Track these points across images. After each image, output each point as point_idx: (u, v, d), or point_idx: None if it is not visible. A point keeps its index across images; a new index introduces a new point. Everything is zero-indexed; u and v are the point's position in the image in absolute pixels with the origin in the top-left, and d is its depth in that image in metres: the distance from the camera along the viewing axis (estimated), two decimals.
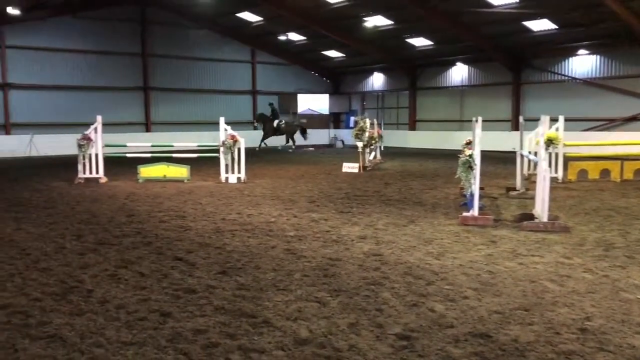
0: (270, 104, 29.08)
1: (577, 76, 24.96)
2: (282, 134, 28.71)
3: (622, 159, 14.69)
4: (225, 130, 14.08)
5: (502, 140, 24.24)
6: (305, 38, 30.49)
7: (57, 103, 26.20)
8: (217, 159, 14.36)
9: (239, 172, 14.19)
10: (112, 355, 3.79)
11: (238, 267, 6.06)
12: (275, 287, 5.32)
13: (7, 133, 25.10)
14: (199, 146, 15.38)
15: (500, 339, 4.04)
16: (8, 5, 22.57)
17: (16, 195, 12.02)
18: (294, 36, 30.41)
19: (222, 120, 14.18)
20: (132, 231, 8.03)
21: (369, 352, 3.83)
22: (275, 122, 28.29)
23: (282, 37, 30.56)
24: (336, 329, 4.24)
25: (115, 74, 28.01)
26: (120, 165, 16.18)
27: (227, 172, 14.25)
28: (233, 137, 14.00)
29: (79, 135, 14.39)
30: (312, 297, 5.01)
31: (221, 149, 14.07)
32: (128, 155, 15.79)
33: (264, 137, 28.24)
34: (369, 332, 4.18)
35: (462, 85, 29.84)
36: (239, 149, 14.06)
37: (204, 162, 15.87)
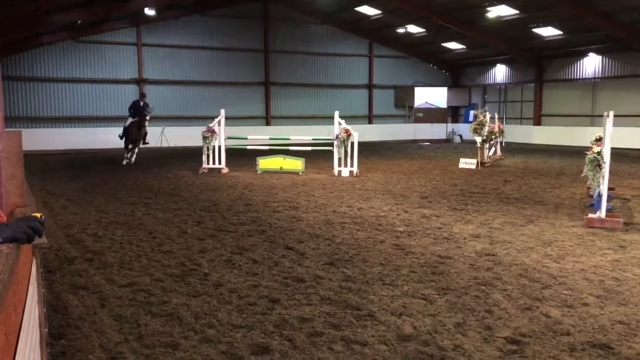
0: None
1: None
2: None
3: None
4: (340, 124, 14.25)
5: (639, 137, 22.19)
6: (424, 30, 29.92)
7: (185, 97, 28.01)
8: (331, 152, 14.58)
9: (352, 165, 14.29)
10: (223, 336, 4.00)
11: (346, 259, 6.11)
12: (382, 281, 5.30)
13: None
14: (314, 139, 15.70)
15: (624, 351, 3.72)
16: (145, 7, 24.48)
17: (147, 183, 13.04)
18: (412, 28, 29.96)
19: (336, 114, 14.35)
20: (248, 220, 8.40)
21: (475, 354, 3.69)
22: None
23: (400, 30, 30.23)
24: (441, 328, 4.14)
25: (238, 70, 29.36)
26: (241, 156, 16.97)
27: (340, 165, 14.41)
28: (347, 131, 14.12)
29: (204, 128, 15.30)
30: (419, 293, 4.92)
31: (335, 142, 14.25)
32: (248, 147, 16.52)
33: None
34: (476, 334, 4.03)
35: (594, 78, 27.66)
36: (352, 143, 14.16)
37: (318, 155, 16.17)
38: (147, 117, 17.69)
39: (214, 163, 15.15)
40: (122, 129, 18.07)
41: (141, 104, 17.76)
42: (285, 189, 11.88)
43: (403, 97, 33.67)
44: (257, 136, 18.69)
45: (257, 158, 15.19)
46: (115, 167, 16.74)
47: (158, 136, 26.12)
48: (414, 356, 3.67)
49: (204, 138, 15.01)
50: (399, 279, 5.37)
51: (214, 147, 15.03)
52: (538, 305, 4.61)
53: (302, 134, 21.92)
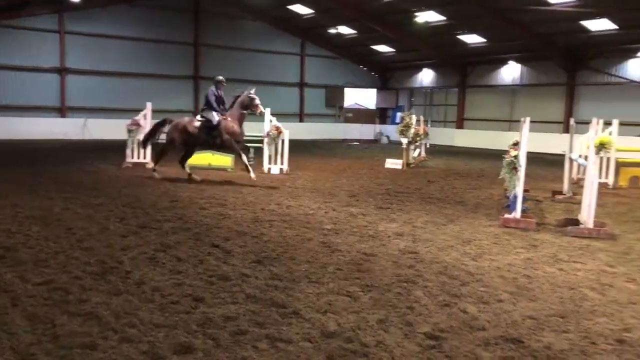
0: None
1: (635, 79, 23.96)
2: None
3: None
4: (270, 121, 14.22)
5: (553, 142, 23.51)
6: (355, 32, 30.38)
7: (110, 89, 26.99)
8: (261, 149, 14.52)
9: (282, 163, 14.30)
10: (144, 336, 3.90)
11: (273, 257, 6.11)
12: (308, 279, 5.35)
13: (63, 116, 26.05)
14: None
15: (533, 345, 3.94)
16: None
17: (67, 176, 12.47)
18: (344, 30, 30.36)
19: (267, 111, 14.30)
20: (174, 216, 8.22)
21: (396, 349, 3.80)
22: None
23: (332, 31, 30.55)
24: (365, 324, 4.23)
25: (167, 62, 28.62)
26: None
27: (270, 162, 14.38)
28: (277, 128, 14.12)
29: (129, 121, 14.81)
30: (344, 291, 5.01)
31: (265, 139, 14.21)
32: None
33: None
34: (398, 330, 4.15)
35: (513, 85, 29.12)
36: (282, 141, 14.17)
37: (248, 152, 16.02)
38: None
39: (138, 157, 14.70)
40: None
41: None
42: (213, 185, 11.71)
43: (334, 97, 34.05)
44: None
45: None
46: (33, 159, 15.88)
47: (80, 128, 25.08)
48: (338, 353, 3.73)
49: (129, 131, 14.54)
50: (325, 276, 5.44)
51: (139, 140, 14.59)
52: (456, 302, 4.80)
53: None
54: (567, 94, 26.35)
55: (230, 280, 5.23)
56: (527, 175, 8.58)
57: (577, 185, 11.92)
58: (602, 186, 11.92)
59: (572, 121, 11.73)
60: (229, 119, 11.95)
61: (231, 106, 12.15)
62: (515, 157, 8.64)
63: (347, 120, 34.11)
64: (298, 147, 21.19)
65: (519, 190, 8.35)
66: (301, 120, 33.16)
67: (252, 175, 11.95)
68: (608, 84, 24.93)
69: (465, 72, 31.28)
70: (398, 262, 6.04)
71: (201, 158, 14.82)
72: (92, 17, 26.30)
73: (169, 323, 4.13)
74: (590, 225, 7.73)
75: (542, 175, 15.59)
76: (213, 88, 12.31)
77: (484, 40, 27.33)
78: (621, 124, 13.70)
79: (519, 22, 23.91)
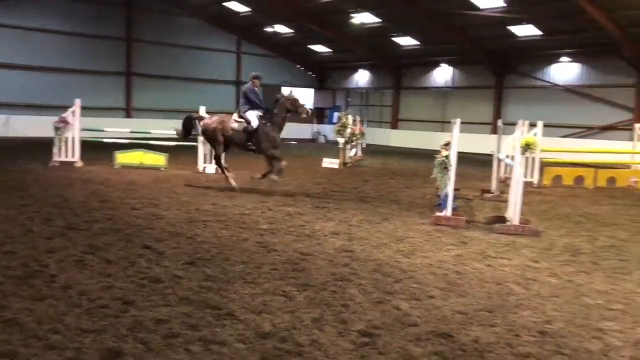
0: None
1: (558, 83, 25.25)
2: None
3: (597, 166, 14.92)
4: None
5: (483, 142, 24.38)
6: (292, 31, 30.40)
7: (37, 84, 25.72)
8: (196, 148, 14.25)
9: None
10: (70, 342, 3.74)
11: (207, 258, 6.01)
12: (243, 279, 5.29)
13: None
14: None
15: (462, 339, 4.07)
16: None
17: None
18: (281, 28, 30.30)
19: (202, 109, 14.06)
20: (103, 217, 7.93)
21: (330, 348, 3.83)
22: None
23: (269, 29, 30.42)
24: (300, 324, 4.23)
25: (98, 58, 27.60)
26: (98, 150, 15.95)
27: (205, 162, 14.14)
28: None
29: (56, 118, 14.17)
30: (279, 291, 4.99)
31: (200, 138, 13.96)
32: (105, 140, 15.59)
33: None
34: (332, 328, 4.18)
35: (445, 87, 30.01)
36: None
37: (183, 151, 15.75)
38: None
39: (66, 156, 14.09)
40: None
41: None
42: (146, 185, 11.39)
43: (271, 96, 33.88)
44: (116, 128, 17.72)
45: (115, 152, 14.39)
46: None
47: (2, 125, 23.80)
48: (272, 353, 3.72)
49: (56, 129, 13.91)
50: (261, 276, 5.40)
51: (66, 138, 13.99)
52: (390, 299, 4.89)
53: (165, 129, 21.25)
54: (495, 96, 27.42)
55: (162, 282, 5.10)
56: (457, 174, 8.84)
57: (505, 184, 12.40)
58: (528, 185, 12.46)
59: (499, 122, 12.23)
60: (268, 124, 11.06)
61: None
62: (447, 157, 8.90)
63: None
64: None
65: (450, 189, 8.61)
66: None
67: (276, 178, 11.08)
68: (534, 87, 26.14)
69: (399, 73, 31.95)
70: (334, 261, 6.09)
71: (133, 157, 14.40)
72: (19, 8, 25.01)
73: (96, 328, 3.98)
74: (516, 222, 8.07)
75: (472, 174, 16.13)
76: (250, 84, 11.44)
77: (417, 42, 28.01)
78: (545, 125, 14.40)
79: (451, 26, 24.67)
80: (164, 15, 29.47)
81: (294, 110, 11.15)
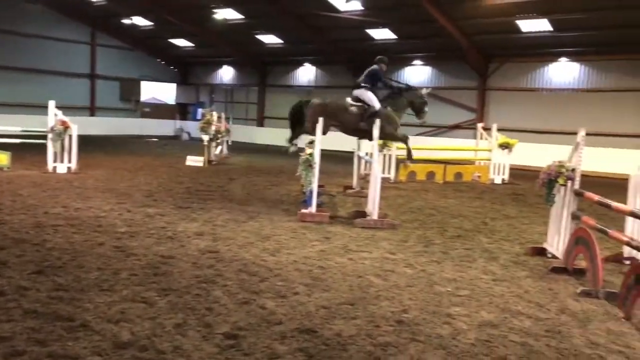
0: None
1: (412, 84, 26.90)
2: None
3: (446, 162, 16.16)
4: (55, 115, 12.93)
5: (347, 140, 25.21)
6: (152, 24, 29.14)
7: None
8: (45, 146, 13.12)
9: (70, 161, 13.11)
10: None
11: (58, 265, 5.56)
12: (99, 287, 4.97)
13: None
14: (23, 131, 13.95)
15: (325, 334, 4.17)
16: None
17: None
18: (139, 20, 28.90)
19: (51, 104, 12.99)
20: None
21: (194, 353, 3.72)
22: None
23: (126, 21, 28.88)
24: (161, 330, 4.07)
25: None
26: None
27: (55, 161, 13.08)
28: (64, 123, 12.90)
29: None
30: (139, 297, 4.76)
31: (49, 135, 12.89)
32: None
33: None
34: (196, 332, 4.07)
35: (309, 86, 30.65)
36: (70, 136, 13.00)
37: (29, 149, 14.44)
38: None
39: None
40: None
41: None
42: None
43: (129, 90, 32.29)
44: None
45: None
46: None
47: None
48: None
49: None
50: (118, 283, 5.11)
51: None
52: (255, 299, 4.87)
53: (8, 124, 19.33)
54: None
55: (5, 295, 4.62)
56: (322, 171, 9.09)
57: (365, 180, 12.97)
58: (385, 181, 13.14)
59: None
60: (388, 107, 10.57)
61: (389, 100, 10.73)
62: (311, 155, 9.09)
63: (145, 115, 32.63)
64: (89, 143, 19.66)
65: (314, 186, 8.81)
66: (92, 115, 30.86)
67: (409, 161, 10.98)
68: None
69: (264, 71, 32.06)
70: (197, 263, 5.94)
71: None
72: None
73: None
74: (375, 216, 8.48)
75: (336, 171, 16.66)
76: (377, 67, 11.04)
77: (281, 41, 28.28)
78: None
79: (313, 26, 25.24)
80: (4, 0, 26.74)
81: (418, 109, 10.67)
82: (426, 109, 11.12)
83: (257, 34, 27.77)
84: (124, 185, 11.63)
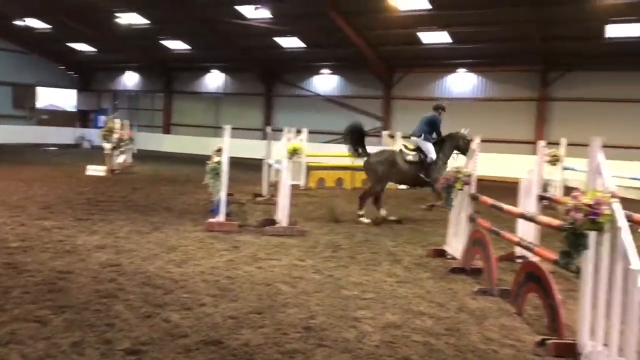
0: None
1: (320, 93, 27.34)
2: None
3: (354, 169, 16.52)
4: None
5: (255, 148, 25.19)
6: (49, 27, 27.58)
7: None
8: None
9: None
10: None
11: None
12: None
13: None
14: None
15: (232, 344, 4.12)
16: None
17: None
18: (34, 23, 27.27)
19: None
20: None
21: None
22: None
23: (19, 23, 27.13)
24: (56, 350, 3.84)
25: None
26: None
27: None
28: None
29: None
30: (32, 316, 4.46)
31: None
32: None
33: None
34: (94, 350, 3.88)
35: (217, 93, 30.29)
36: None
37: None
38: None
39: None
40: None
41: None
42: None
43: (23, 96, 30.36)
44: None
45: None
46: None
47: None
48: None
49: None
50: (9, 302, 4.77)
51: None
52: (159, 312, 4.73)
53: None
54: (265, 104, 28.57)
55: None
56: (231, 179, 8.98)
57: (275, 187, 12.97)
58: (295, 188, 13.21)
59: (268, 129, 12.78)
60: (439, 155, 10.25)
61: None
62: (219, 162, 8.96)
63: (42, 122, 30.79)
64: None
65: (223, 195, 8.69)
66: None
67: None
68: (299, 97, 27.88)
69: (170, 77, 31.31)
70: (98, 277, 5.67)
71: None
72: None
73: None
74: (285, 223, 8.50)
75: (245, 179, 16.52)
76: (436, 113, 10.67)
77: (188, 47, 27.76)
78: (310, 132, 15.48)
79: (221, 33, 25.00)
80: None
81: (464, 150, 10.20)
82: (470, 146, 11.27)
83: (163, 39, 27.10)
84: (18, 197, 10.89)
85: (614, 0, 17.07)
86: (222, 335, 4.28)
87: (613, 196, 3.88)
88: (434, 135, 10.57)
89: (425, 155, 10.34)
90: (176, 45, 27.64)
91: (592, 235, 4.00)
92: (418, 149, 10.43)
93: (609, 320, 3.79)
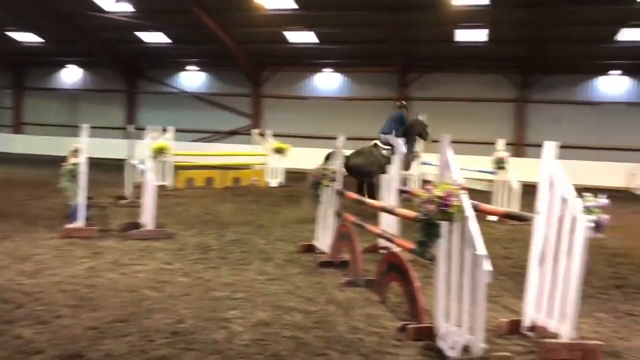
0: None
1: (187, 90, 26.66)
2: None
3: (224, 168, 16.36)
4: None
5: (118, 147, 23.90)
6: None
7: None
8: None
9: None
10: None
11: None
12: None
13: None
14: None
15: (93, 356, 3.90)
16: None
17: None
18: None
19: None
20: None
21: None
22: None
23: None
24: None
25: None
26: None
27: None
28: None
29: None
30: None
31: None
32: None
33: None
34: None
35: (75, 89, 28.34)
36: None
37: None
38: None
39: None
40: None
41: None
42: None
43: None
44: None
45: None
46: None
47: None
48: None
49: None
50: None
51: None
52: (8, 329, 4.33)
53: None
54: (127, 101, 27.25)
55: None
56: (90, 181, 8.44)
57: (139, 189, 12.42)
58: (162, 188, 12.76)
59: (130, 128, 12.21)
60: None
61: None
62: (75, 164, 8.39)
63: None
64: None
65: (81, 198, 8.16)
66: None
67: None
68: (165, 94, 26.93)
69: (20, 72, 28.73)
70: None
71: None
72: None
73: None
74: (151, 227, 8.18)
75: (106, 181, 15.56)
76: (400, 111, 11.74)
77: (41, 40, 25.65)
78: (177, 130, 15.03)
79: (78, 25, 23.41)
80: None
81: (424, 136, 11.53)
82: (428, 130, 11.83)
83: (11, 31, 24.77)
84: None
85: (463, 5, 18.51)
86: (82, 347, 4.03)
87: (461, 188, 4.23)
88: (402, 130, 11.55)
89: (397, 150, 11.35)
90: (27, 37, 25.39)
91: (444, 225, 4.32)
92: (389, 145, 11.26)
93: (460, 303, 4.13)
